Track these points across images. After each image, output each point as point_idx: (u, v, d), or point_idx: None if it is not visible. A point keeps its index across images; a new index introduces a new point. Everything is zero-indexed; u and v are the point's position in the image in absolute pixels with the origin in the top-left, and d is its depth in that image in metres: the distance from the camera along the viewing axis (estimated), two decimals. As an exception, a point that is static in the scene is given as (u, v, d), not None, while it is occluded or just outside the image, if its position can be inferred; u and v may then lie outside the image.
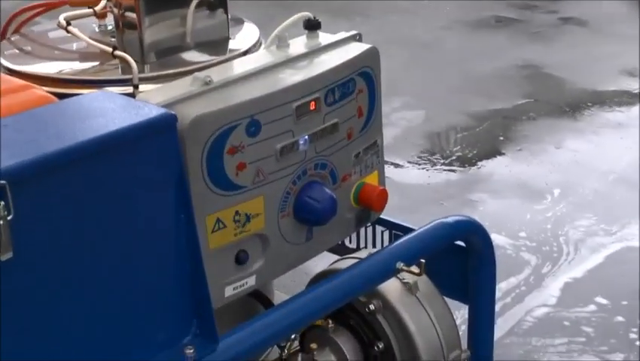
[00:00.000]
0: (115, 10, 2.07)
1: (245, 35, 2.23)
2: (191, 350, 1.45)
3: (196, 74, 1.62)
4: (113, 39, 2.12)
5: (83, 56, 2.12)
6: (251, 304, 1.97)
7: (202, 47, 2.10)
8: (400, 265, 1.75)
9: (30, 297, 1.28)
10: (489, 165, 4.06)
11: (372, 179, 1.88)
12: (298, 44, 1.80)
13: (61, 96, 1.59)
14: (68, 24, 2.11)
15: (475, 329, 2.00)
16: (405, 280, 1.88)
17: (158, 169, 1.40)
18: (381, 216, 1.97)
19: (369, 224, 2.08)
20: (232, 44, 2.17)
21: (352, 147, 1.80)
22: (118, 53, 2.01)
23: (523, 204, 3.70)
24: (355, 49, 1.81)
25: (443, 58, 5.34)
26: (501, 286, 3.09)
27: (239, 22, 2.31)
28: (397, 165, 4.03)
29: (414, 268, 1.79)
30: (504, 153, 4.17)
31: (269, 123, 1.62)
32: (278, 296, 2.19)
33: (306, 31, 1.83)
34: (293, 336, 1.91)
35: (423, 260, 1.79)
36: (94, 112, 1.37)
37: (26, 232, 1.24)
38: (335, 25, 1.95)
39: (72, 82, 1.97)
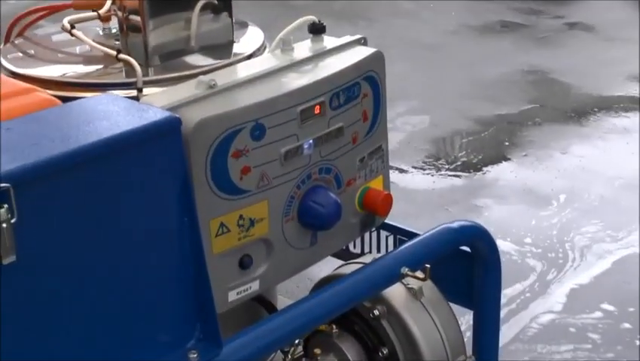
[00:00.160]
0: (119, 14, 2.08)
1: (249, 39, 2.24)
2: (195, 355, 1.46)
3: (201, 77, 1.63)
4: (117, 42, 2.13)
5: (87, 60, 2.13)
6: (255, 309, 1.97)
7: (206, 50, 2.11)
8: (404, 270, 1.75)
9: (33, 301, 1.28)
10: (494, 171, 4.05)
11: (377, 184, 1.88)
12: (303, 48, 1.81)
13: (65, 99, 1.60)
14: (72, 27, 2.11)
15: (480, 335, 2.00)
16: (410, 286, 1.88)
17: (162, 173, 1.40)
18: (385, 221, 1.97)
19: (373, 229, 2.08)
20: (236, 48, 2.18)
21: (357, 151, 1.80)
22: (122, 56, 2.01)
23: (529, 210, 3.70)
24: (360, 53, 1.81)
25: (448, 63, 5.34)
26: (507, 293, 3.09)
27: (244, 25, 2.31)
28: (401, 171, 4.03)
29: (419, 274, 1.79)
30: (509, 159, 4.16)
31: (273, 127, 1.62)
32: (282, 301, 2.19)
33: (311, 35, 1.84)
34: (297, 341, 1.91)
35: (428, 265, 1.79)
36: (98, 115, 1.37)
37: (30, 235, 1.24)
38: (339, 29, 1.95)
39: (76, 85, 1.98)
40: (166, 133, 1.38)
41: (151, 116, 1.38)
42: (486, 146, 4.29)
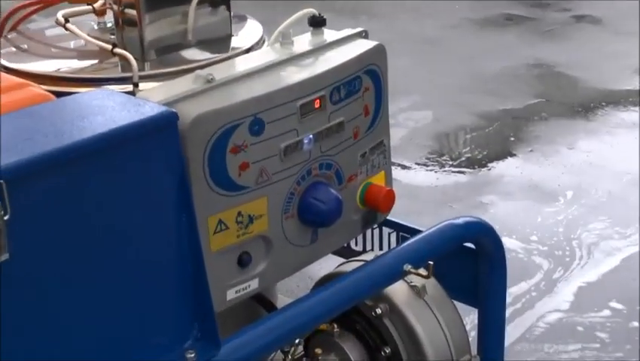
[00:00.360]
0: (115, 7, 2.08)
1: (248, 32, 2.24)
2: (192, 355, 1.46)
3: (198, 71, 1.63)
4: (112, 37, 2.13)
5: (82, 54, 2.13)
6: (254, 308, 1.98)
7: (204, 44, 2.11)
8: (407, 267, 1.75)
9: (26, 300, 1.28)
10: (499, 167, 4.06)
11: (379, 179, 1.88)
12: (302, 41, 1.81)
13: (59, 95, 1.60)
14: (67, 21, 2.11)
15: (485, 334, 2.00)
16: (413, 284, 1.88)
17: (159, 168, 1.40)
18: (388, 217, 1.98)
19: (375, 226, 2.08)
20: (234, 42, 2.18)
21: (358, 146, 1.81)
22: (118, 50, 2.01)
23: (535, 206, 3.70)
24: (361, 46, 1.81)
25: (451, 56, 5.34)
26: (512, 291, 3.09)
27: (242, 19, 2.32)
28: (404, 167, 4.04)
29: (422, 271, 1.79)
30: (514, 154, 4.16)
31: (272, 122, 1.62)
32: (282, 300, 2.19)
33: (311, 28, 1.84)
34: (297, 341, 1.91)
35: (431, 263, 1.79)
36: (93, 110, 1.37)
37: (23, 232, 1.24)
38: (339, 24, 1.95)
39: (71, 80, 1.98)
40: (162, 128, 1.39)
41: (148, 111, 1.38)
42: (490, 141, 4.29)
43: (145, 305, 1.43)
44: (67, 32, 2.12)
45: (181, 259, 1.45)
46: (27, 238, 1.25)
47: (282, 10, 2.63)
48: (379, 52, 1.82)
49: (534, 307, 3.07)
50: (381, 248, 2.15)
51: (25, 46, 2.21)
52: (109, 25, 2.19)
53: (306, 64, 1.75)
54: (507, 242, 3.30)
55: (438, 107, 4.65)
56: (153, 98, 1.51)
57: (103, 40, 2.07)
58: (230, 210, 1.61)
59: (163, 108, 1.40)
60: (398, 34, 5.50)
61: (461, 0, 6.22)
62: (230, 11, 2.17)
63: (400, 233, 2.09)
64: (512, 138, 4.33)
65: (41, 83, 1.77)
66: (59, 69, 2.05)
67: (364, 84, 1.78)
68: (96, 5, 2.19)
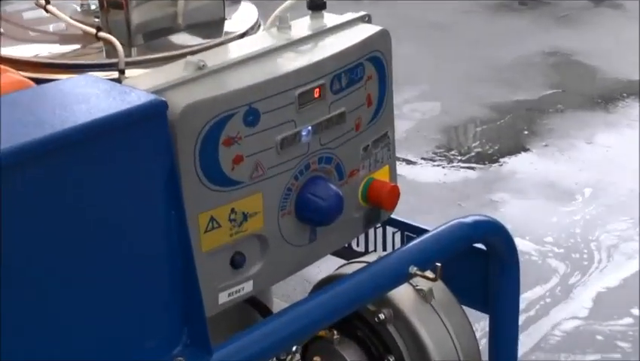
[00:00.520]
0: (99, -12, 2.08)
1: (242, 16, 2.24)
2: (182, 362, 1.47)
3: (189, 58, 1.63)
4: (97, 20, 2.13)
5: (64, 38, 2.13)
6: (248, 313, 1.98)
7: (195, 28, 2.11)
8: (413, 269, 1.76)
9: (4, 300, 1.28)
10: (511, 163, 4.07)
11: (382, 175, 1.88)
12: (301, 26, 1.81)
13: (39, 82, 1.60)
14: (47, 3, 2.11)
15: (497, 342, 2.00)
16: (419, 287, 1.89)
17: (146, 161, 1.40)
18: (392, 216, 1.98)
19: (379, 225, 2.09)
20: (228, 26, 2.18)
21: (361, 139, 1.81)
22: (102, 34, 2.01)
23: (550, 205, 3.71)
24: (364, 31, 1.82)
25: (460, 44, 5.35)
26: (526, 296, 3.10)
27: (236, 1, 2.32)
28: (409, 162, 4.05)
29: (429, 274, 1.79)
30: (528, 149, 4.18)
31: (268, 112, 1.63)
32: (278, 305, 2.20)
33: (310, 12, 1.84)
34: (294, 348, 1.92)
35: (439, 264, 1.80)
36: (76, 98, 1.38)
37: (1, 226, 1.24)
38: (341, 7, 1.95)
39: (51, 66, 1.98)
40: (150, 118, 1.39)
41: (134, 100, 1.38)
42: (502, 135, 4.30)
43: (130, 309, 1.43)
44: (48, 15, 2.12)
45: (170, 260, 1.46)
46: (5, 233, 1.25)
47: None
48: (383, 37, 1.82)
49: (549, 314, 3.08)
50: (384, 249, 2.16)
51: (2, 29, 2.21)
52: (93, 7, 2.20)
53: (304, 50, 1.75)
54: (521, 244, 3.31)
55: (446, 98, 4.66)
56: (140, 85, 1.51)
57: (86, 24, 2.07)
58: (222, 206, 1.61)
59: (151, 97, 1.40)
60: (404, 19, 5.50)
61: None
62: (223, -7, 2.17)
63: (405, 233, 2.10)
64: (525, 132, 4.34)
65: (19, 69, 1.77)
66: (38, 54, 2.05)
67: (366, 72, 1.79)
68: (79, -14, 2.19)
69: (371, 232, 2.14)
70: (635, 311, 3.08)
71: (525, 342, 2.89)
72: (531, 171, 3.99)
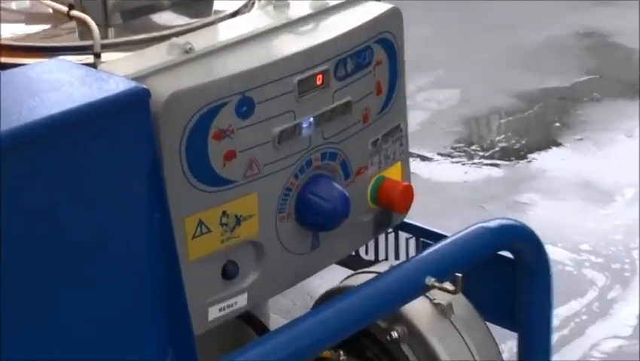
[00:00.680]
0: (71, -40, 2.09)
1: (234, -8, 2.25)
2: (167, 386, 1.47)
3: (174, 40, 1.64)
4: (68, -4, 2.14)
5: (31, 17, 2.14)
6: (242, 330, 1.99)
7: (180, 6, 2.11)
8: (430, 280, 1.76)
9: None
10: (541, 159, 4.07)
11: (394, 173, 1.89)
12: (301, 4, 1.81)
13: (4, 67, 1.60)
14: (12, -23, 2.12)
15: (525, 364, 2.01)
16: (436, 301, 1.89)
17: (125, 158, 1.41)
18: (405, 220, 1.98)
19: (390, 230, 2.09)
20: (217, 4, 2.18)
21: (369, 132, 1.82)
22: (75, 13, 2.01)
23: (586, 208, 3.72)
24: (373, 10, 1.82)
25: (483, 24, 5.36)
26: (559, 312, 3.10)
27: (227, -25, 2.32)
28: (424, 158, 4.05)
29: (448, 285, 1.80)
30: (560, 144, 4.18)
31: (264, 102, 1.63)
32: (275, 321, 2.20)
33: (311, -13, 1.85)
34: (294, 371, 1.93)
35: (459, 275, 1.80)
36: (46, 86, 1.38)
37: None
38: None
39: (18, 49, 1.98)
40: (130, 108, 1.39)
41: (112, 88, 1.39)
42: (530, 128, 4.30)
43: (110, 326, 1.44)
44: (12, -9, 2.12)
45: (152, 269, 1.46)
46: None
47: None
48: (394, 17, 1.83)
49: (585, 333, 3.08)
50: (397, 257, 2.16)
51: (-40, 8, 2.22)
52: (64, -18, 2.20)
53: (305, 31, 1.76)
54: (552, 252, 3.29)
55: (466, 85, 4.67)
56: (118, 71, 1.51)
57: (57, 1, 2.08)
58: (212, 209, 1.61)
59: (132, 84, 1.41)
60: (417, -4, 5.51)
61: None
62: (212, -34, 2.17)
63: (421, 239, 2.10)
64: (557, 124, 4.34)
65: (-20, 54, 1.78)
66: (1, 36, 2.05)
67: (375, 56, 1.79)
68: (48, -42, 2.19)
69: (382, 238, 2.14)
70: (684, 330, 3.08)
71: (559, 364, 2.90)
72: (564, 169, 3.99)
